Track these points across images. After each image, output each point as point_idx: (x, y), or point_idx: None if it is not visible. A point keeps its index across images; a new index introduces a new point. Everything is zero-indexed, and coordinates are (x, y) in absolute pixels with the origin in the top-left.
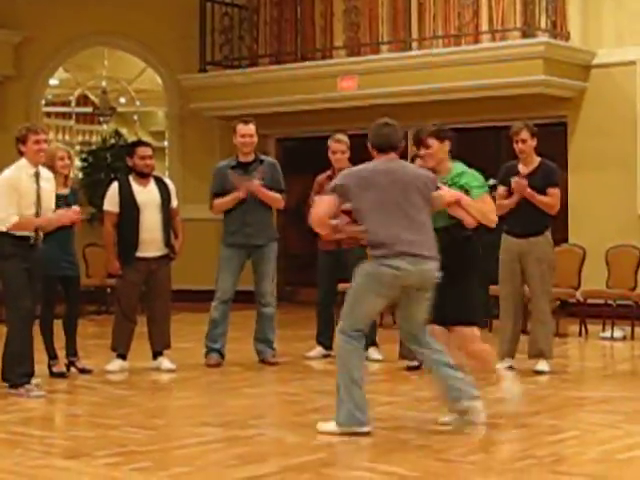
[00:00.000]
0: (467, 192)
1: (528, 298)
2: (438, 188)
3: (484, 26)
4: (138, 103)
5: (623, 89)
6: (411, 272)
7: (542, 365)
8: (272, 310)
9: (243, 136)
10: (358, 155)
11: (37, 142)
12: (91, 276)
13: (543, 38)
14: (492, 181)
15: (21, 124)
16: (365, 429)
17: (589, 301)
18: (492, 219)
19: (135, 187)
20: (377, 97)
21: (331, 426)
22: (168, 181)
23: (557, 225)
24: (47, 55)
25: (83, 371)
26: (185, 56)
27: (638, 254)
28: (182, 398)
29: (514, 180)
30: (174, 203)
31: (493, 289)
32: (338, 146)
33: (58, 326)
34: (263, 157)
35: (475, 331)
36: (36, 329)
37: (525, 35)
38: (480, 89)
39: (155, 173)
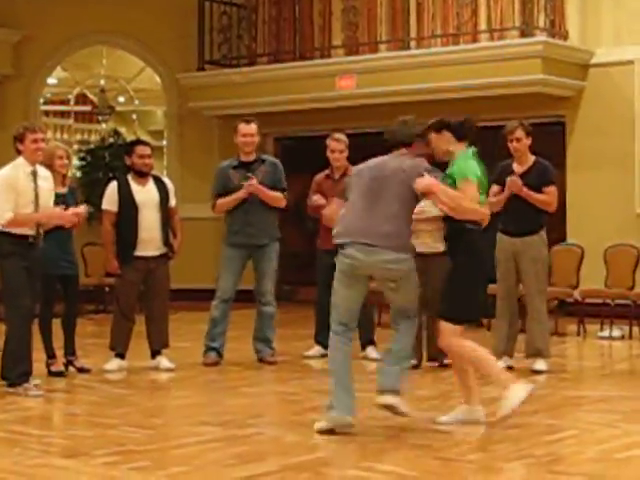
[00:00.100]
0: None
1: (523, 297)
2: (422, 176)
3: (482, 25)
4: (137, 102)
5: (621, 88)
6: (364, 262)
7: (540, 364)
8: (272, 309)
9: (244, 136)
10: (356, 154)
11: (35, 141)
12: (90, 275)
13: (541, 37)
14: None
15: (19, 123)
16: (341, 422)
17: (587, 300)
18: (465, 208)
19: (134, 186)
20: (375, 96)
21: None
22: (167, 180)
23: (555, 224)
24: (46, 54)
25: (81, 370)
26: (184, 55)
27: (636, 253)
28: (180, 397)
29: (509, 179)
30: (173, 202)
31: (491, 288)
32: (337, 145)
33: (57, 325)
34: (265, 156)
35: (452, 327)
36: (35, 328)
37: (523, 34)
38: (478, 88)
39: (154, 172)
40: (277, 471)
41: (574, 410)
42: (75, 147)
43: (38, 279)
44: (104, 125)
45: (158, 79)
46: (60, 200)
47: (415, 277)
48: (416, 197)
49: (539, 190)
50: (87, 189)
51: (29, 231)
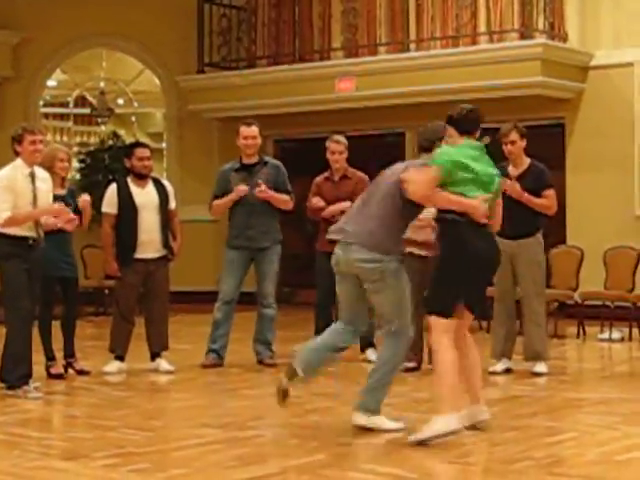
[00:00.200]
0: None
1: (521, 299)
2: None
3: (482, 27)
4: (136, 104)
5: (621, 90)
6: (342, 259)
7: (540, 367)
8: (273, 312)
9: (246, 138)
10: (356, 156)
11: (33, 142)
12: (89, 277)
13: (541, 39)
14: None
15: (15, 126)
16: None
17: (587, 302)
18: (422, 194)
19: (133, 188)
20: (375, 98)
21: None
22: (166, 182)
23: (555, 226)
24: (45, 56)
25: (81, 372)
26: (183, 57)
27: (636, 255)
28: (180, 399)
29: (507, 183)
30: (172, 204)
31: (488, 290)
32: (336, 147)
33: (56, 327)
34: (267, 159)
35: (440, 324)
36: (34, 330)
37: (523, 36)
38: (478, 90)
39: (153, 174)
40: (278, 473)
41: (574, 412)
42: (75, 149)
43: (38, 281)
44: (103, 127)
45: (157, 81)
46: (59, 202)
47: (398, 285)
48: (408, 199)
49: (536, 193)
50: (86, 192)
51: (29, 233)
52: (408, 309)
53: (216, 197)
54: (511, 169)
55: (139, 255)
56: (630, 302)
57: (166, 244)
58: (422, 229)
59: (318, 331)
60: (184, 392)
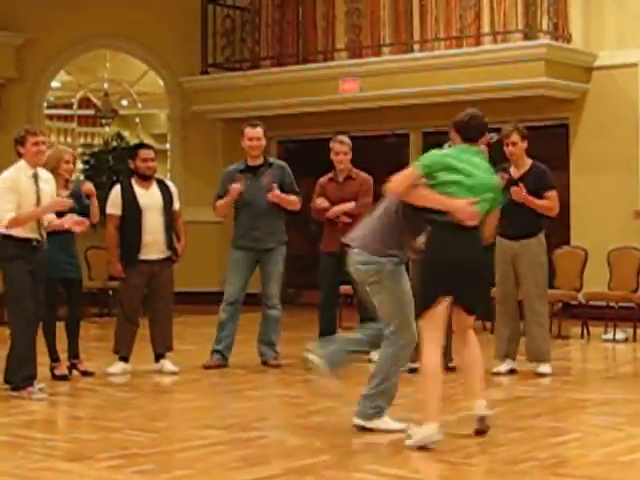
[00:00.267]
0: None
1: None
2: None
3: (486, 28)
4: (140, 105)
5: (625, 91)
6: (347, 262)
7: (544, 367)
8: (277, 313)
9: (251, 139)
10: (360, 157)
11: (36, 144)
12: (93, 278)
13: (545, 40)
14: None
15: (22, 126)
16: None
17: (591, 303)
18: (398, 190)
19: (137, 190)
20: (379, 99)
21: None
22: (170, 184)
23: (559, 227)
24: (49, 57)
25: (85, 373)
26: (187, 58)
27: None
28: (184, 400)
29: (513, 191)
30: (176, 205)
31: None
32: (341, 148)
33: (60, 328)
34: (272, 160)
35: (424, 325)
36: (38, 331)
37: (527, 37)
38: (482, 91)
39: (157, 176)
40: (281, 474)
41: (578, 413)
42: (79, 151)
43: (42, 283)
44: (107, 129)
45: (161, 82)
46: None
47: (396, 287)
48: (407, 204)
49: (538, 194)
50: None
51: (33, 234)
52: (408, 311)
53: (219, 197)
54: (512, 170)
55: (143, 256)
56: (634, 303)
57: (170, 245)
58: None
59: (322, 332)
60: (188, 393)
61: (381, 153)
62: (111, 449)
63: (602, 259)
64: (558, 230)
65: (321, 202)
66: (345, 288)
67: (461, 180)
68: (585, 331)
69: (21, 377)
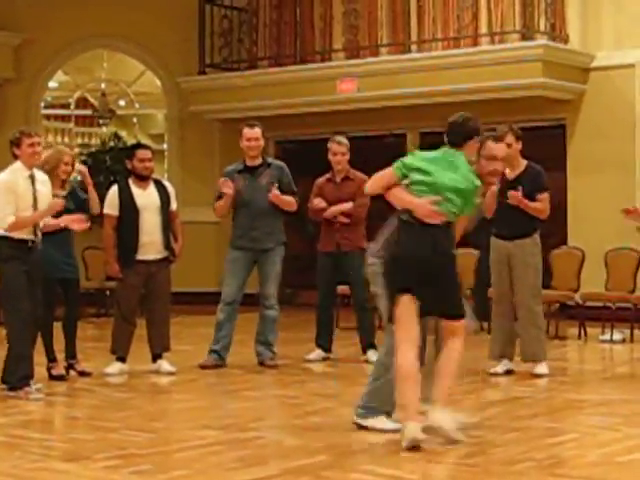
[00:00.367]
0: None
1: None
2: None
3: (483, 29)
4: (137, 106)
5: (622, 92)
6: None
7: (540, 368)
8: (275, 313)
9: (249, 140)
10: (358, 157)
11: (31, 145)
12: (91, 279)
13: (542, 41)
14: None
15: (19, 127)
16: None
17: (588, 304)
18: (370, 189)
19: (135, 190)
20: (376, 100)
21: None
22: (167, 184)
23: (556, 227)
24: (46, 57)
25: (82, 374)
26: (184, 59)
27: (637, 257)
28: (182, 401)
29: (510, 195)
30: (173, 206)
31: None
32: (338, 148)
33: (57, 329)
34: (270, 160)
35: (393, 328)
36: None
37: (524, 38)
38: (479, 91)
39: (154, 176)
40: (278, 475)
41: (575, 413)
42: (76, 151)
43: (39, 283)
44: (105, 129)
45: (159, 82)
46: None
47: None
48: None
49: (531, 196)
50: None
51: (28, 235)
52: None
53: (219, 198)
54: (507, 171)
55: (140, 256)
56: (631, 303)
57: (167, 245)
58: None
59: (319, 332)
60: (185, 393)
61: (379, 153)
62: (108, 449)
63: (599, 260)
64: (555, 231)
65: (318, 202)
66: (342, 288)
67: (428, 181)
68: (582, 332)
69: (18, 377)
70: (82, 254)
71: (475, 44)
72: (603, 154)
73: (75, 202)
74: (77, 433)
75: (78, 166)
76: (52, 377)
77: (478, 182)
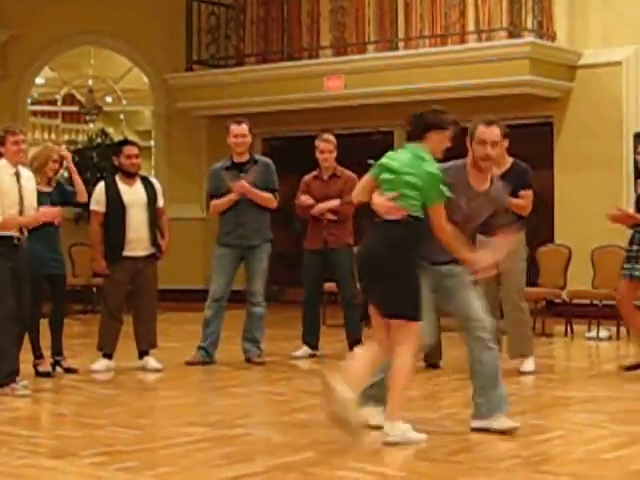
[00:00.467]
0: None
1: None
2: None
3: (470, 26)
4: (124, 102)
5: (609, 89)
6: None
7: (527, 365)
8: (261, 310)
9: (236, 136)
10: (345, 154)
11: (15, 143)
12: (77, 275)
13: (529, 38)
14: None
15: (6, 123)
16: None
17: (575, 301)
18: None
19: (121, 186)
20: (364, 97)
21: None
22: (154, 180)
23: (543, 225)
24: (33, 54)
25: (69, 370)
26: (172, 55)
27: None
28: (168, 397)
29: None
30: (160, 202)
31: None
32: (326, 145)
33: (44, 325)
34: (258, 157)
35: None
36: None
37: (511, 35)
38: (466, 89)
39: (141, 172)
40: (265, 471)
41: (561, 410)
42: (63, 147)
43: (26, 280)
44: (92, 125)
45: (146, 79)
46: (45, 199)
47: None
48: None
49: (516, 193)
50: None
51: (13, 232)
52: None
53: (212, 196)
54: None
55: (127, 253)
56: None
57: (154, 242)
58: None
59: (305, 329)
60: (172, 390)
61: (366, 151)
62: (95, 446)
63: (586, 257)
64: (542, 228)
65: (306, 199)
66: (329, 285)
67: (392, 179)
68: (569, 329)
69: (4, 373)
70: (69, 250)
71: (462, 41)
72: (590, 152)
73: (60, 195)
74: (63, 430)
75: (63, 152)
76: (38, 374)
77: (437, 173)
